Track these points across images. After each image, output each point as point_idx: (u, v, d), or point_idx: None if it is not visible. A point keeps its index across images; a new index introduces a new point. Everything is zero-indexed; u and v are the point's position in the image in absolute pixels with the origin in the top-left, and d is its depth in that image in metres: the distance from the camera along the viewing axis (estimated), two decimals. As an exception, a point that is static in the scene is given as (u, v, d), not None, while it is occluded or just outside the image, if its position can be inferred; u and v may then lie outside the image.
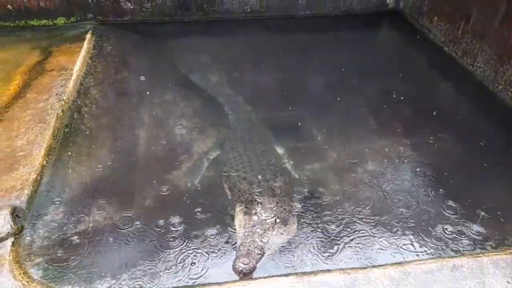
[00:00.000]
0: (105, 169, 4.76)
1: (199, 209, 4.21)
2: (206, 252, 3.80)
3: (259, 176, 4.35)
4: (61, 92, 5.42)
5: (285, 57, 7.02)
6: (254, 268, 3.46)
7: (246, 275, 3.42)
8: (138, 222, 4.12)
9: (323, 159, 4.92)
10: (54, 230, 4.06)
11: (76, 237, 4.00)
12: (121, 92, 6.09)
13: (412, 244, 3.89)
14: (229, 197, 4.32)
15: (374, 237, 3.97)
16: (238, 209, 4.07)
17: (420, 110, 5.73)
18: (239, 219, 3.97)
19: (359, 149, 5.08)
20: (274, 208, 3.96)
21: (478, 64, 6.27)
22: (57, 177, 4.59)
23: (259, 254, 3.57)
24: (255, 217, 3.85)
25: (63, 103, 5.30)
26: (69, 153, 4.94)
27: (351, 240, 3.94)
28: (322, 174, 4.69)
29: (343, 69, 6.60)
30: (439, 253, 3.79)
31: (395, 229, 4.04)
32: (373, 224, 4.09)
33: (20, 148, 4.59)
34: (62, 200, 4.36)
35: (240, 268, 3.42)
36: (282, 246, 3.82)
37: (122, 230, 4.06)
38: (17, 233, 3.91)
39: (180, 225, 4.04)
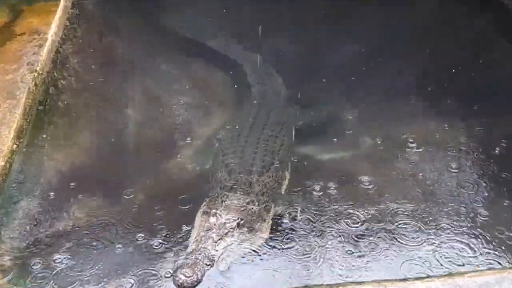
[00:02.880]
0: (87, 156, 4.79)
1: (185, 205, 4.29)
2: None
3: (245, 167, 4.44)
4: (34, 62, 5.40)
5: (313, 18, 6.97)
6: (197, 283, 3.51)
7: None
8: (124, 226, 4.18)
9: (354, 146, 4.95)
10: (25, 229, 4.14)
11: (52, 239, 4.07)
12: (106, 61, 6.09)
13: (464, 253, 3.91)
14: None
15: (416, 244, 3.99)
16: (203, 205, 4.16)
17: (479, 85, 5.65)
18: (197, 218, 4.05)
19: (400, 133, 5.05)
20: (241, 209, 4.00)
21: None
22: (29, 165, 4.63)
23: (207, 265, 3.61)
24: (212, 219, 3.91)
25: (36, 74, 5.28)
26: (44, 136, 4.97)
27: (385, 250, 3.95)
28: (351, 164, 4.74)
29: (382, 34, 6.52)
30: (498, 263, 3.81)
31: (443, 235, 4.05)
32: (414, 229, 4.08)
33: (-16, 130, 4.62)
34: (35, 193, 4.42)
35: (180, 281, 3.46)
36: (243, 258, 3.84)
37: (105, 233, 4.13)
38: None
39: (168, 239, 4.02)
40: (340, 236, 4.02)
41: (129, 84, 5.81)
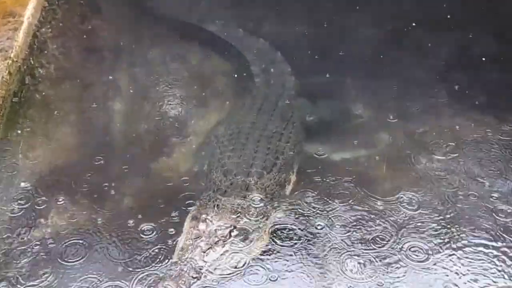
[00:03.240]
0: (68, 154, 4.72)
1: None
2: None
3: (246, 168, 4.28)
4: (8, 47, 5.26)
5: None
6: None
7: None
8: (110, 232, 4.02)
9: (369, 144, 4.82)
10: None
11: (27, 249, 3.91)
12: (89, 47, 6.01)
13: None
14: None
15: (445, 259, 3.82)
16: (193, 209, 4.05)
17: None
18: (186, 224, 3.94)
19: (423, 129, 4.94)
20: (235, 215, 3.88)
21: None
22: (2, 163, 4.54)
23: (193, 278, 3.51)
24: (202, 225, 3.78)
25: (10, 62, 5.16)
26: (19, 131, 4.88)
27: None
28: (367, 166, 4.60)
29: (403, 18, 6.33)
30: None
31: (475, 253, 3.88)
32: (442, 242, 3.92)
33: (-49, 124, 4.57)
34: (9, 196, 4.30)
35: None
36: (235, 270, 3.69)
37: (90, 241, 3.96)
38: None
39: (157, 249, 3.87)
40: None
41: (115, 73, 5.70)
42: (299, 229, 4.00)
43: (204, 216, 3.84)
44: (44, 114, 5.10)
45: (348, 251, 3.85)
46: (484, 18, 6.37)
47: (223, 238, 3.73)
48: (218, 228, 3.77)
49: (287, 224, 4.05)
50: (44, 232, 4.02)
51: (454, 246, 3.88)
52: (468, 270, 3.75)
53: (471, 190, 4.36)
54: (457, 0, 6.62)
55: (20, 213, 4.16)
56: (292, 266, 3.74)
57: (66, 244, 3.93)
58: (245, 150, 4.44)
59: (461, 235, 3.96)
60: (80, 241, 3.95)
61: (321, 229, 3.99)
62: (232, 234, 3.76)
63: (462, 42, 6.04)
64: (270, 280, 3.65)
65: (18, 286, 3.65)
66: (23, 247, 3.91)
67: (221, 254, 3.67)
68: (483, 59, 5.72)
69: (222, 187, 4.13)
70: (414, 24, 6.28)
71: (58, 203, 4.24)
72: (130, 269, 3.74)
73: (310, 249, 3.86)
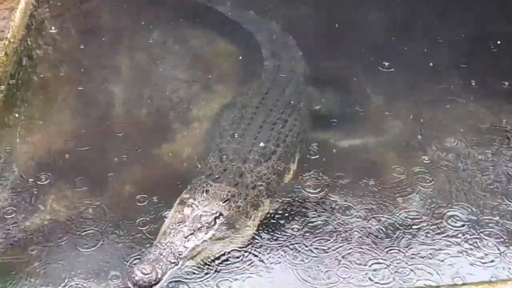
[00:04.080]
0: (67, 139, 4.65)
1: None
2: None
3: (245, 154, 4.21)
4: (4, 28, 5.23)
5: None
6: (155, 282, 3.36)
7: None
8: (113, 219, 3.97)
9: (380, 132, 4.77)
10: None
11: (23, 237, 3.88)
12: (89, 28, 5.95)
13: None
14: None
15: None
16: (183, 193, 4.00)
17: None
18: (173, 208, 3.90)
19: (434, 117, 4.89)
20: (223, 202, 3.81)
21: None
22: None
23: (171, 263, 3.45)
24: (187, 210, 3.73)
25: (7, 43, 5.12)
26: (16, 115, 4.85)
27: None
28: (376, 155, 4.54)
29: (416, 4, 6.25)
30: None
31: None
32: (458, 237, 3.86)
33: None
34: (6, 182, 4.26)
35: (136, 278, 3.32)
36: (218, 260, 3.65)
37: (87, 232, 3.89)
38: None
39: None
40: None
41: (115, 56, 5.68)
42: (293, 220, 3.95)
43: (191, 200, 3.82)
44: (42, 97, 5.10)
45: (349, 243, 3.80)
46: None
47: (207, 224, 3.69)
48: (203, 213, 3.74)
49: (280, 215, 4.00)
50: (43, 219, 3.98)
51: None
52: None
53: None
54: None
55: (16, 200, 4.11)
56: (281, 259, 3.70)
57: (65, 231, 3.89)
58: (245, 135, 4.40)
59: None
60: (79, 228, 3.91)
61: (317, 221, 3.94)
62: (218, 221, 3.72)
63: (476, 27, 5.96)
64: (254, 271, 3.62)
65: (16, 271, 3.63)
66: (21, 234, 3.88)
67: (204, 241, 3.63)
68: (499, 43, 5.63)
69: (215, 173, 4.09)
70: (428, 7, 6.21)
71: (56, 189, 4.20)
72: (127, 257, 3.71)
73: (302, 240, 3.81)
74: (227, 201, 3.84)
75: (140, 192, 4.19)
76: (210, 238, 3.66)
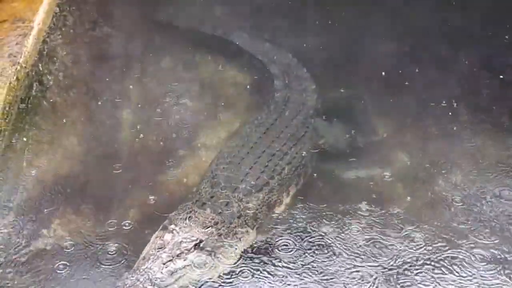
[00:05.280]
0: (73, 164, 4.71)
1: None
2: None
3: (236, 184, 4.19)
4: (16, 53, 5.28)
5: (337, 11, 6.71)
6: None
7: None
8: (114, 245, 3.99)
9: (387, 164, 4.75)
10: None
11: (28, 260, 3.90)
12: (100, 55, 6.02)
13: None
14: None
15: None
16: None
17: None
18: (155, 233, 3.88)
19: (442, 150, 4.87)
20: (205, 229, 3.80)
21: None
22: (6, 171, 4.54)
23: None
24: (167, 236, 3.73)
25: (19, 68, 5.16)
26: (25, 138, 4.87)
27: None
28: (382, 185, 4.53)
29: (422, 32, 6.29)
30: None
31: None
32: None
33: (-44, 129, 4.54)
34: (12, 205, 4.30)
35: None
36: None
37: (93, 253, 3.92)
38: None
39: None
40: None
41: (125, 82, 5.71)
42: (280, 253, 3.93)
43: (172, 226, 3.81)
44: (51, 122, 5.12)
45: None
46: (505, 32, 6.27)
47: (186, 251, 3.68)
48: (183, 240, 3.73)
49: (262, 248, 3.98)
50: (46, 244, 4.00)
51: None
52: None
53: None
54: (477, 15, 6.51)
55: (21, 223, 4.15)
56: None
57: (69, 255, 3.91)
58: (241, 164, 4.37)
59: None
60: (83, 253, 3.93)
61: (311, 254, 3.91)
62: (197, 248, 3.71)
63: (484, 56, 5.96)
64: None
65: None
66: (23, 259, 3.90)
67: (182, 268, 3.61)
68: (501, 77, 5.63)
69: (203, 199, 4.09)
70: (435, 38, 6.25)
71: (62, 213, 4.23)
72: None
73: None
74: (209, 228, 3.84)
75: (143, 215, 4.25)
76: (189, 265, 3.65)
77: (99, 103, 5.41)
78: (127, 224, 4.14)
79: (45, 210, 4.26)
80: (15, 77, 5.06)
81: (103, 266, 3.86)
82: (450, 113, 5.28)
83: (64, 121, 5.16)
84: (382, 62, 5.94)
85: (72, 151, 4.85)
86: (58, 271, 3.80)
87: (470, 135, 5.03)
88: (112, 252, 3.93)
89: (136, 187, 4.49)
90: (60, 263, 3.85)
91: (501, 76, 5.66)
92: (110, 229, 4.11)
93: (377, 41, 6.23)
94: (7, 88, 4.90)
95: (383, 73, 5.78)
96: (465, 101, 5.42)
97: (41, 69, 5.54)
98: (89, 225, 4.17)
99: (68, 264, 3.86)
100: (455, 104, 5.37)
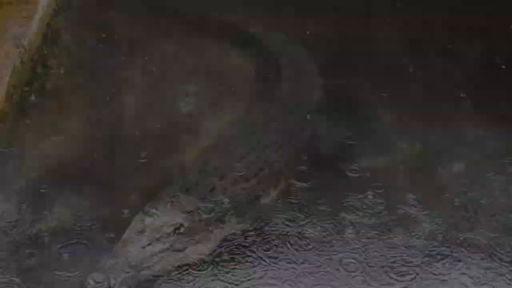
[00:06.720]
0: (77, 147, 4.73)
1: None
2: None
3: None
4: (20, 35, 5.33)
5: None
6: None
7: None
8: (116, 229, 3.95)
9: (389, 152, 4.78)
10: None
11: (31, 244, 3.91)
12: (105, 38, 6.00)
13: None
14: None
15: None
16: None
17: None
18: (135, 217, 3.89)
19: (445, 140, 4.88)
20: (186, 214, 3.80)
21: None
22: (9, 155, 4.59)
23: (126, 272, 3.43)
24: (149, 219, 3.75)
25: (23, 50, 5.23)
26: (28, 121, 4.91)
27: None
28: (384, 174, 4.53)
29: (430, 24, 6.27)
30: None
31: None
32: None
33: (-41, 112, 4.62)
34: (14, 188, 4.33)
35: (89, 287, 3.32)
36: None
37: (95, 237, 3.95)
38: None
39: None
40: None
41: (129, 67, 5.71)
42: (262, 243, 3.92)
43: (153, 210, 3.82)
44: (55, 105, 5.14)
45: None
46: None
47: (166, 235, 3.68)
48: (164, 224, 3.73)
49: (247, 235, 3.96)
50: (49, 227, 4.02)
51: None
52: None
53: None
54: (483, 10, 6.44)
55: (23, 206, 4.17)
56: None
57: (71, 240, 3.92)
58: (233, 152, 4.37)
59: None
60: (85, 238, 3.94)
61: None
62: (177, 232, 3.72)
63: (489, 49, 5.94)
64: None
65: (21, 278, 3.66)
66: (27, 242, 3.92)
67: (161, 251, 3.62)
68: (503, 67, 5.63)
69: (188, 184, 4.08)
70: (441, 26, 6.25)
71: (65, 197, 4.24)
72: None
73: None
74: (191, 214, 3.85)
75: (145, 201, 4.14)
76: (168, 248, 3.66)
77: (102, 87, 5.43)
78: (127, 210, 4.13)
79: (48, 192, 4.27)
80: (19, 60, 5.12)
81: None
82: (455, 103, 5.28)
83: (67, 103, 5.20)
84: (386, 51, 5.93)
85: (75, 134, 4.86)
86: (62, 253, 3.83)
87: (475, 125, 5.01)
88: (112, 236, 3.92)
89: (138, 172, 4.50)
90: (62, 245, 3.87)
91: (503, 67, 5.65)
92: (111, 212, 4.12)
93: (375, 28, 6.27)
94: (11, 71, 4.95)
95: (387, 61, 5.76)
96: (472, 90, 5.42)
97: (45, 52, 5.59)
98: (92, 208, 4.17)
99: (70, 245, 3.88)
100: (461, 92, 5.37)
